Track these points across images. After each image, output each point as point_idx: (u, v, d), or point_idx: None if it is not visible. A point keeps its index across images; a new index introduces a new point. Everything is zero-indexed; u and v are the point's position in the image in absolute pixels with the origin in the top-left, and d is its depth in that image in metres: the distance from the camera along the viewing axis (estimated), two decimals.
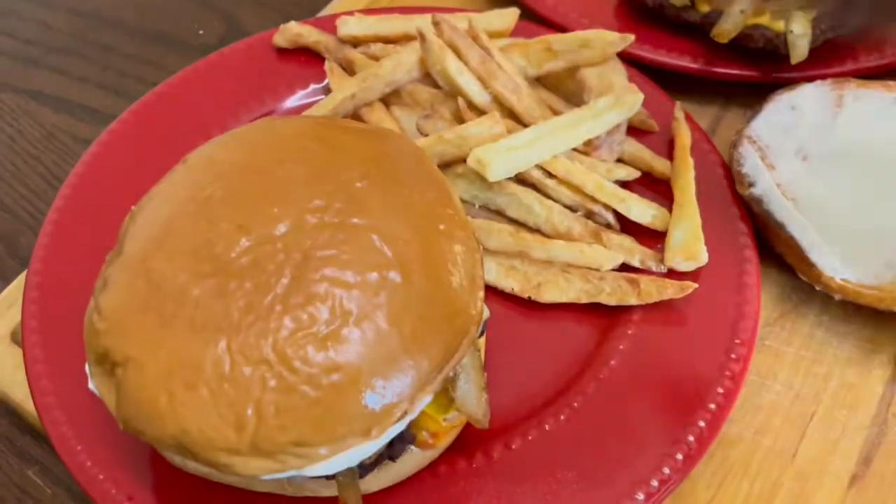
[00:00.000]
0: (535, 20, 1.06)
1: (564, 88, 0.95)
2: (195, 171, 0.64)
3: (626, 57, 0.99)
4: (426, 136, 0.87)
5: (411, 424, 0.63)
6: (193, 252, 0.57)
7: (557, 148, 0.83)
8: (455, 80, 0.89)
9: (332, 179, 0.60)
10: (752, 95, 0.97)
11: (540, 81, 0.96)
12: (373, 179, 0.61)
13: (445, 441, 0.66)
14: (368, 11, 1.04)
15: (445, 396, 0.63)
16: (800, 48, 0.91)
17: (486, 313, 0.70)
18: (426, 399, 0.58)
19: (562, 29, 1.02)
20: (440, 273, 0.59)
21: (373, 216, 0.59)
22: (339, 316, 0.54)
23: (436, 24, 0.91)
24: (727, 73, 0.97)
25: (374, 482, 0.65)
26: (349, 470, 0.59)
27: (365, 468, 0.61)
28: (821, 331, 0.81)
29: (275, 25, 1.03)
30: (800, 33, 0.91)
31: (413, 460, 0.66)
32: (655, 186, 0.88)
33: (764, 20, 0.94)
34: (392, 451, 0.61)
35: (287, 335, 0.54)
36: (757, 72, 0.97)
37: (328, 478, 0.60)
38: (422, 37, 0.89)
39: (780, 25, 0.93)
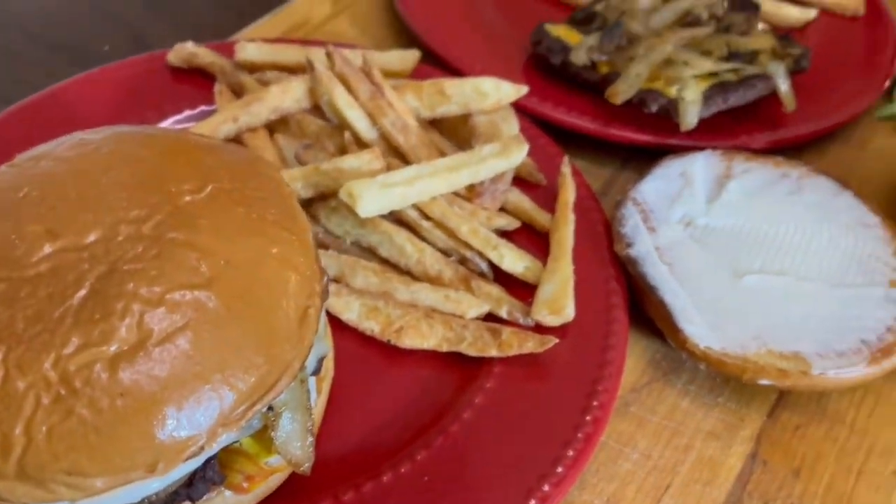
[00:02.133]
0: (443, 67, 1.05)
1: (458, 133, 0.93)
2: (19, 170, 0.59)
3: (527, 111, 0.98)
4: (304, 165, 0.84)
5: (223, 464, 0.58)
6: None
7: (436, 189, 0.80)
8: (342, 113, 0.86)
9: (160, 191, 0.56)
10: (650, 159, 0.96)
11: (435, 124, 0.94)
12: (207, 195, 0.57)
13: (263, 487, 0.61)
14: (274, 42, 1.02)
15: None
16: (690, 115, 0.92)
17: (326, 350, 0.65)
18: (230, 435, 0.53)
19: None
20: (263, 300, 0.55)
21: (196, 232, 0.54)
22: (135, 335, 0.50)
23: (329, 55, 0.89)
24: (622, 135, 0.97)
25: None
26: None
27: None
28: (687, 401, 0.78)
29: None
30: (691, 101, 0.92)
31: None
32: (537, 239, 0.86)
33: (659, 85, 0.95)
34: (192, 491, 0.56)
35: (72, 351, 0.48)
36: (651, 137, 0.97)
37: None
38: (311, 66, 0.87)
39: (673, 91, 0.93)
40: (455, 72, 1.03)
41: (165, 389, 0.49)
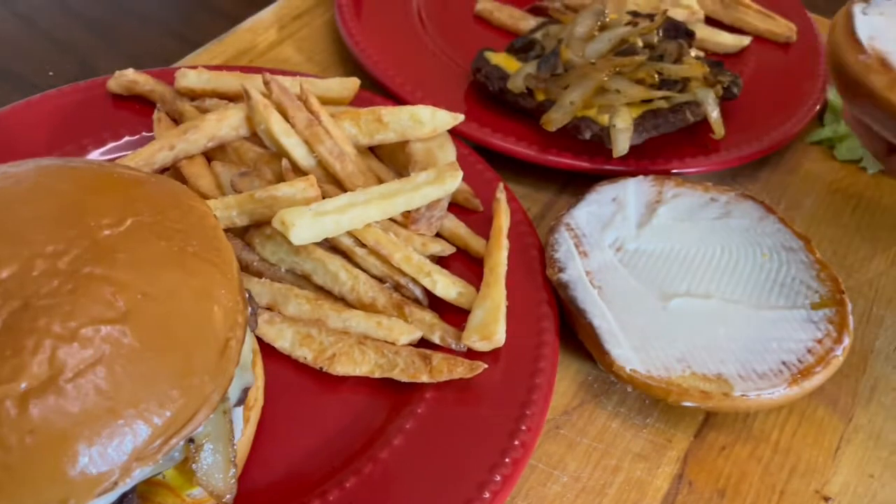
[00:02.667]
0: (385, 94, 1.06)
1: (397, 159, 0.95)
2: None
3: (466, 137, 1.00)
4: (240, 192, 0.84)
5: (145, 497, 0.58)
6: None
7: (370, 217, 0.81)
8: (279, 141, 0.87)
9: (78, 224, 0.56)
10: (589, 183, 0.98)
11: (375, 150, 0.96)
12: (127, 228, 0.57)
13: None
14: (217, 69, 1.02)
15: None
16: (621, 143, 0.94)
17: (251, 380, 0.66)
18: (145, 470, 0.53)
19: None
20: (180, 333, 0.55)
21: (114, 267, 0.55)
22: (47, 371, 0.50)
23: (266, 83, 0.90)
24: (559, 161, 0.99)
25: None
26: None
27: None
28: (617, 422, 0.80)
29: None
30: (622, 128, 0.94)
31: None
32: (472, 264, 0.87)
33: (592, 113, 0.97)
34: None
35: None
36: (587, 162, 0.99)
37: None
38: (247, 95, 0.88)
39: (605, 119, 0.96)
40: (397, 98, 1.05)
41: (77, 425, 0.49)
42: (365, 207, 0.81)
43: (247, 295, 0.70)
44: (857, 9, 0.88)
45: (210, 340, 0.56)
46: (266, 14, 1.26)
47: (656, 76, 0.98)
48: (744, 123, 1.09)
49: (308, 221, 0.78)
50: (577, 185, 1.03)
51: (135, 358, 0.52)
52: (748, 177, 1.09)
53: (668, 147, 1.02)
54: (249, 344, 0.67)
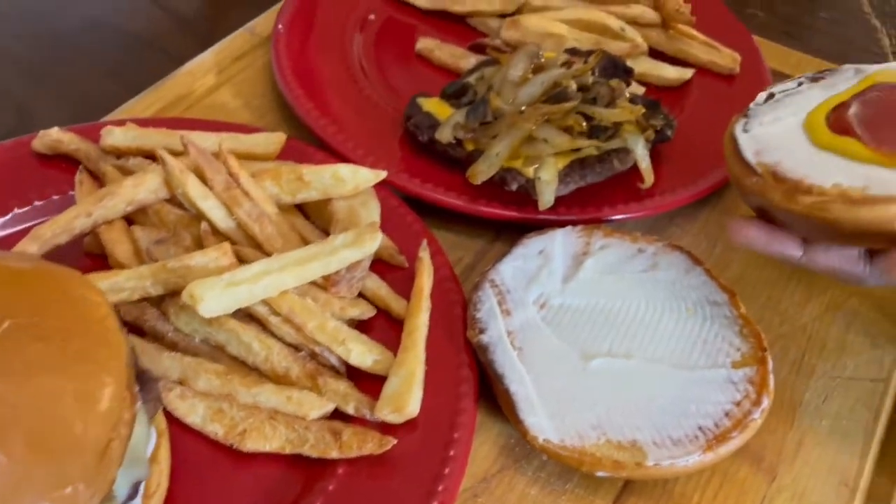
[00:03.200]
0: (317, 143, 1.05)
1: (323, 215, 0.94)
2: None
3: (396, 188, 0.99)
4: (156, 261, 0.84)
5: None
6: None
7: (285, 284, 0.81)
8: (197, 205, 0.86)
9: None
10: (523, 230, 0.97)
11: (303, 206, 0.95)
12: (2, 333, 0.57)
13: None
14: (147, 123, 1.01)
15: None
16: (546, 196, 0.93)
17: (143, 474, 0.65)
18: None
19: (341, 157, 1.02)
20: (54, 442, 0.54)
21: None
22: None
23: (184, 146, 0.89)
24: (489, 211, 0.98)
25: None
26: None
27: None
28: (536, 488, 0.79)
29: (70, 122, 1.00)
30: (547, 181, 0.93)
31: None
32: (396, 324, 0.86)
33: (517, 164, 0.96)
34: None
35: None
36: (517, 212, 0.98)
37: None
38: (162, 161, 0.87)
39: (530, 171, 0.95)
40: (329, 148, 1.04)
41: None
42: (279, 274, 0.80)
43: (148, 377, 0.70)
44: (738, 128, 0.86)
45: (87, 446, 0.56)
46: (206, 56, 1.25)
47: (584, 124, 0.97)
48: (681, 164, 1.08)
49: (218, 293, 0.77)
50: (511, 231, 1.02)
51: (4, 472, 0.52)
52: (687, 216, 1.08)
53: (600, 193, 1.01)
54: (144, 434, 0.66)
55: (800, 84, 0.90)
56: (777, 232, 0.84)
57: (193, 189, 0.86)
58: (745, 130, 0.85)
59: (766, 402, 0.78)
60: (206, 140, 0.95)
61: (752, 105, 0.90)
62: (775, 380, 0.82)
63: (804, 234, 0.83)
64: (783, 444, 0.84)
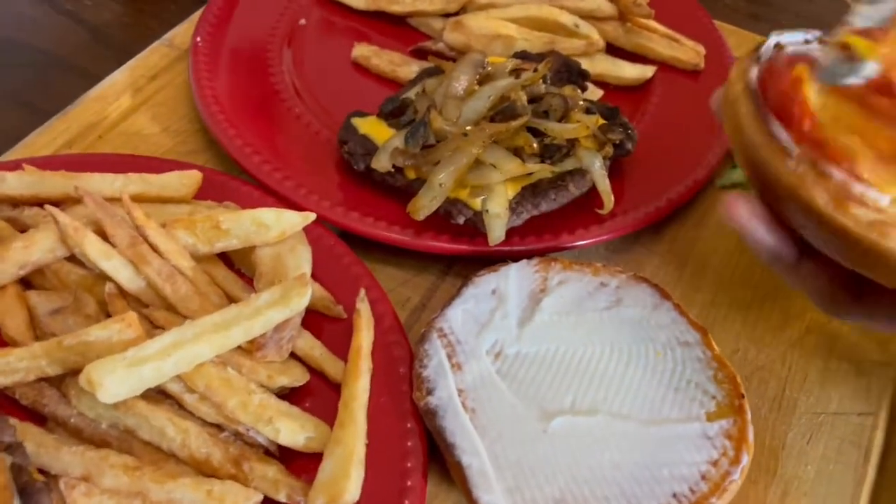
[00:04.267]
0: (243, 175, 0.95)
1: (249, 261, 0.84)
2: None
3: (332, 224, 0.90)
4: (52, 335, 0.73)
5: None
6: None
7: (201, 356, 0.71)
8: (99, 266, 0.76)
9: None
10: (476, 263, 0.88)
11: (226, 254, 0.85)
12: None
13: None
14: (47, 163, 0.90)
15: None
16: (496, 230, 0.84)
17: None
18: None
19: (269, 190, 0.92)
20: None
21: None
22: None
23: (82, 199, 0.78)
24: (436, 246, 0.89)
25: None
26: None
27: None
28: None
29: None
30: (496, 213, 0.84)
31: None
32: (336, 388, 0.77)
33: (464, 194, 0.86)
34: None
35: None
36: (467, 245, 0.89)
37: None
38: (54, 219, 0.76)
39: (478, 203, 0.85)
40: (255, 180, 0.93)
41: None
42: (194, 346, 0.70)
43: (34, 490, 0.60)
44: (754, 75, 0.71)
45: None
46: (120, 75, 1.12)
47: (535, 144, 0.87)
48: (644, 177, 0.99)
49: (121, 375, 0.67)
50: (464, 263, 0.93)
51: None
52: (653, 234, 0.99)
53: (557, 218, 0.91)
54: None
55: (806, 41, 0.75)
56: (778, 223, 0.71)
57: (92, 248, 0.76)
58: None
59: (745, 460, 0.70)
60: (110, 183, 0.84)
61: (762, 48, 0.74)
62: (755, 419, 0.75)
63: (814, 241, 0.69)
64: (766, 498, 0.77)
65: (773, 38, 0.76)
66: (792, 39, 0.75)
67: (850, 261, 0.68)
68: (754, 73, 0.73)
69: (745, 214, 0.72)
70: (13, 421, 0.67)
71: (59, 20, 1.32)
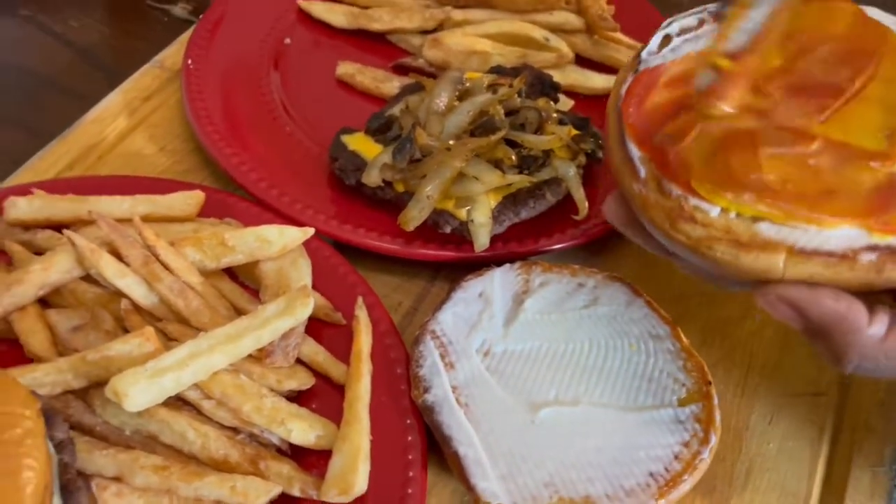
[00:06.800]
0: (241, 192, 1.01)
1: (254, 275, 0.90)
2: None
3: (327, 236, 0.96)
4: (77, 352, 0.79)
5: None
6: None
7: (216, 365, 0.77)
8: (115, 284, 0.82)
9: None
10: (462, 268, 0.95)
11: (231, 268, 0.90)
12: None
13: None
14: (54, 186, 0.95)
15: None
16: (481, 238, 0.91)
17: None
18: None
19: (266, 206, 0.98)
20: None
21: None
22: None
23: (94, 221, 0.84)
24: (425, 253, 0.96)
25: None
26: None
27: None
28: None
29: None
30: (481, 223, 0.91)
31: None
32: (340, 390, 0.83)
33: (449, 205, 0.93)
34: None
35: None
36: (454, 252, 0.96)
37: None
38: (71, 242, 0.81)
39: (463, 213, 0.92)
40: (253, 197, 0.99)
41: None
42: (209, 356, 0.76)
43: (75, 488, 0.66)
44: (625, 91, 0.72)
45: None
46: (114, 97, 1.17)
47: (513, 157, 0.94)
48: (615, 184, 1.06)
49: (144, 386, 0.73)
50: (451, 268, 1.00)
51: None
52: (624, 237, 1.06)
53: (537, 224, 0.99)
54: None
55: (700, 22, 0.74)
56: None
57: (108, 268, 0.81)
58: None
59: (713, 440, 0.78)
60: (119, 205, 0.90)
61: (643, 54, 0.74)
62: (721, 403, 0.83)
63: (669, 247, 0.74)
64: (733, 473, 0.85)
65: (662, 31, 0.76)
66: (686, 24, 0.76)
67: (699, 262, 0.73)
68: (626, 85, 0.75)
69: (610, 215, 0.82)
70: None
71: (46, 41, 1.36)
